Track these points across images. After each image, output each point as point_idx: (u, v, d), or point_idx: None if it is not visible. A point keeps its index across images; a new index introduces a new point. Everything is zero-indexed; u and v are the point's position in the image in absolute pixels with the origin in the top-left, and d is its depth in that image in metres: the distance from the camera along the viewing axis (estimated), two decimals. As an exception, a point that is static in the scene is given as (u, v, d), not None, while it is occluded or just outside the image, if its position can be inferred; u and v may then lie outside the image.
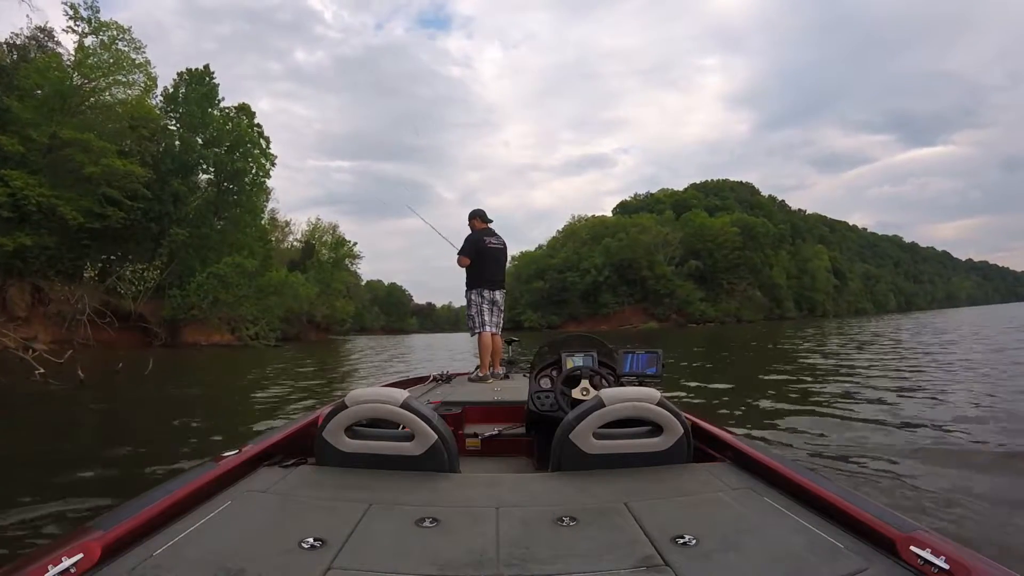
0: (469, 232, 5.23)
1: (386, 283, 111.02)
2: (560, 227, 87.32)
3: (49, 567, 1.00)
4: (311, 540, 1.15)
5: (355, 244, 49.24)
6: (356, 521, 1.27)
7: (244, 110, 36.31)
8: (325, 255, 47.50)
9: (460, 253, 5.11)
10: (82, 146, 26.02)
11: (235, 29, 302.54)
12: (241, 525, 1.29)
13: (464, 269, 5.14)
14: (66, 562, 1.03)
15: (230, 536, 1.22)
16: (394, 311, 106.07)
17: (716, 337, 29.60)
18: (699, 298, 73.05)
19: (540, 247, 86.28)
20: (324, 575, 1.03)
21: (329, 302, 44.07)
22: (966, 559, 1.00)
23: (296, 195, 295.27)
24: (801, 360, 11.55)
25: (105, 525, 1.18)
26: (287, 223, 51.97)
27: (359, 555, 1.12)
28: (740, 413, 5.98)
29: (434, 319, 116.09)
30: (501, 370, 4.92)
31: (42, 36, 30.60)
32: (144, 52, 30.47)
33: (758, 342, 21.32)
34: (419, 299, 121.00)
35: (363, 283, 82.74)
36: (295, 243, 52.40)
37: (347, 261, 48.76)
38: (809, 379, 8.45)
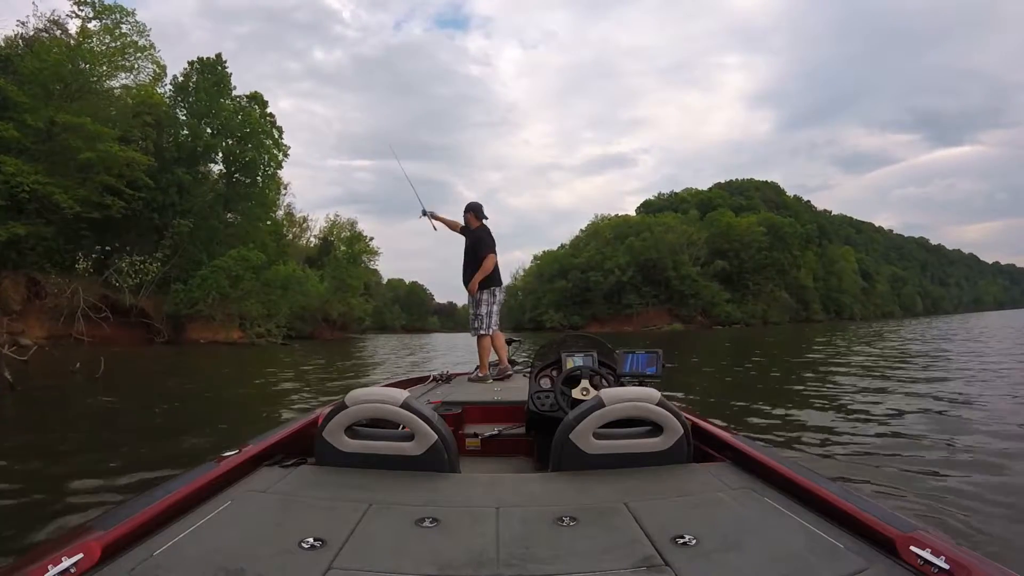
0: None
1: (407, 282, 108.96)
2: (583, 226, 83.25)
3: (49, 567, 0.98)
4: (311, 540, 1.13)
5: (372, 239, 46.36)
6: (356, 521, 1.25)
7: (256, 99, 33.79)
8: (343, 250, 44.77)
9: (489, 249, 4.74)
10: (77, 131, 23.78)
11: (254, 29, 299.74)
12: (241, 525, 1.26)
13: (469, 266, 4.79)
14: (66, 562, 1.01)
15: (230, 536, 1.19)
16: (415, 310, 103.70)
17: (746, 341, 26.32)
18: (725, 299, 68.97)
19: (563, 246, 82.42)
20: (324, 575, 1.01)
21: (345, 299, 41.29)
22: (966, 559, 0.98)
23: (317, 194, 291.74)
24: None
25: (105, 525, 1.15)
26: (304, 219, 49.69)
27: (359, 555, 1.10)
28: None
29: (455, 318, 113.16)
30: (510, 368, 4.60)
31: (53, 28, 28.74)
32: (148, 35, 28.29)
33: (800, 352, 17.79)
34: (440, 298, 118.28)
35: (384, 282, 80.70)
36: (313, 239, 50.17)
37: (364, 257, 45.84)
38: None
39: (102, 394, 8.84)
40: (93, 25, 26.98)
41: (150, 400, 8.34)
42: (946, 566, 0.97)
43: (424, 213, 5.01)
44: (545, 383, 2.60)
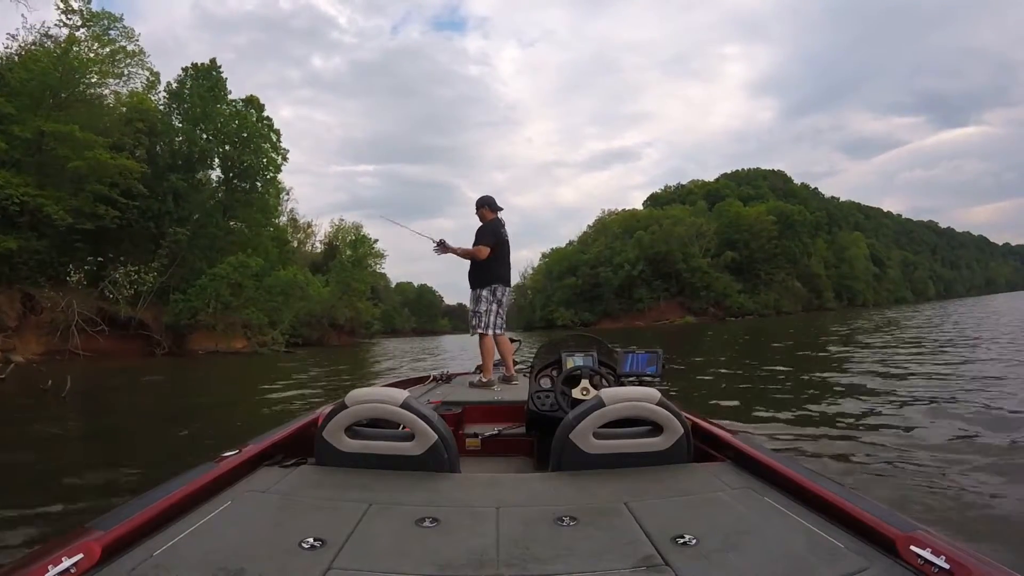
0: (480, 224, 4.47)
1: (416, 285, 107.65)
2: (590, 222, 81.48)
3: (49, 567, 0.97)
4: (311, 540, 1.11)
5: (376, 241, 44.78)
6: (356, 521, 1.23)
7: (252, 102, 32.49)
8: (348, 254, 43.32)
9: (479, 243, 4.33)
10: (65, 139, 22.69)
11: (251, 39, 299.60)
12: (241, 525, 1.25)
13: (472, 263, 4.45)
14: (66, 562, 1.00)
15: (230, 536, 1.18)
16: (425, 312, 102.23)
17: (766, 333, 24.69)
18: (737, 290, 66.89)
19: (571, 243, 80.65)
20: (324, 575, 1.01)
21: (352, 304, 39.88)
22: (966, 559, 0.97)
23: (322, 201, 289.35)
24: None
25: (105, 525, 1.14)
26: (309, 224, 48.44)
27: (359, 555, 1.09)
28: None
29: (466, 320, 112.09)
30: (516, 376, 4.24)
31: (45, 40, 27.61)
32: (137, 41, 27.08)
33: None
34: (450, 300, 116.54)
35: (392, 285, 79.52)
36: (319, 244, 48.95)
37: (371, 260, 44.34)
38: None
39: (51, 418, 7.66)
40: (81, 33, 25.90)
41: (98, 426, 7.17)
42: (946, 566, 0.96)
43: (438, 246, 4.55)
44: (545, 383, 2.57)
